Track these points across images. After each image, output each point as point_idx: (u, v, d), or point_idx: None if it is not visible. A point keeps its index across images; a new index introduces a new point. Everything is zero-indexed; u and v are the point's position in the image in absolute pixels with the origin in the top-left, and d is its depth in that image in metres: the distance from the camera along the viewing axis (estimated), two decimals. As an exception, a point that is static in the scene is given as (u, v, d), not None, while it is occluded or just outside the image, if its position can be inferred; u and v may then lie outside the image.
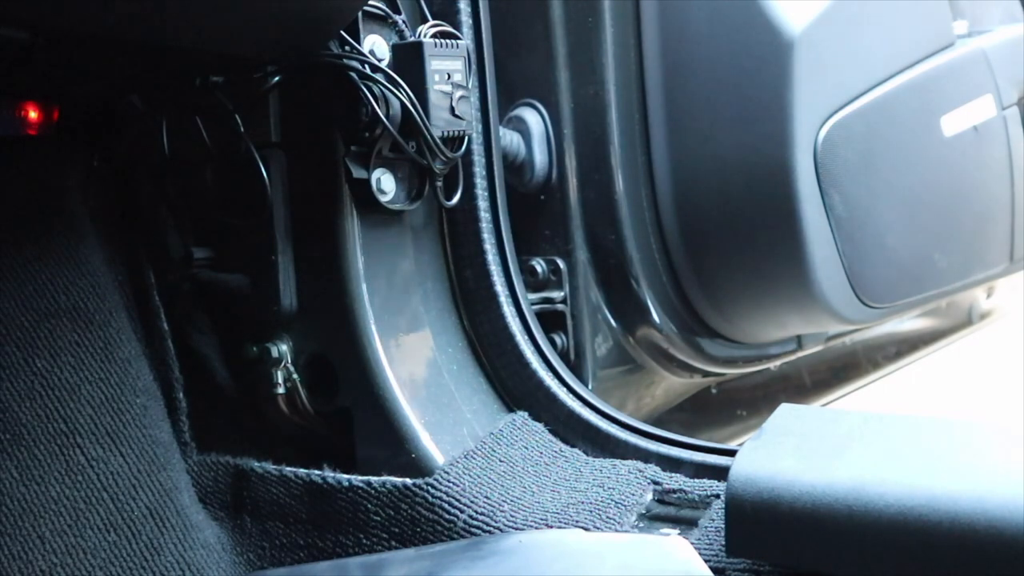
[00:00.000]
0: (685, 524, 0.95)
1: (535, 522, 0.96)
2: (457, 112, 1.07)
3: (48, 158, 1.21)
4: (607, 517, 0.96)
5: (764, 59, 1.35)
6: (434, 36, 1.08)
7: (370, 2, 1.05)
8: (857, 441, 0.83)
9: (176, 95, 1.16)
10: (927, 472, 0.76)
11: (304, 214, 1.12)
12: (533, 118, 1.36)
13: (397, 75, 1.04)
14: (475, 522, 0.98)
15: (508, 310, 1.17)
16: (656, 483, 1.02)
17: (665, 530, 0.94)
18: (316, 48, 1.03)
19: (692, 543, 0.84)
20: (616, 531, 0.95)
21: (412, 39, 1.08)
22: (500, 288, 1.17)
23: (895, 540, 0.73)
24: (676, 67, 1.39)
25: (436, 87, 1.06)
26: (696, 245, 1.41)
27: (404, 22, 1.09)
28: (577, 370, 1.35)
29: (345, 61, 1.03)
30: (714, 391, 1.70)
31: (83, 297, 1.15)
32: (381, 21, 1.08)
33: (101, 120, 1.24)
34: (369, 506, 1.04)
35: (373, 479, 1.06)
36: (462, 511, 1.00)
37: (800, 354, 1.69)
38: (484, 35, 1.16)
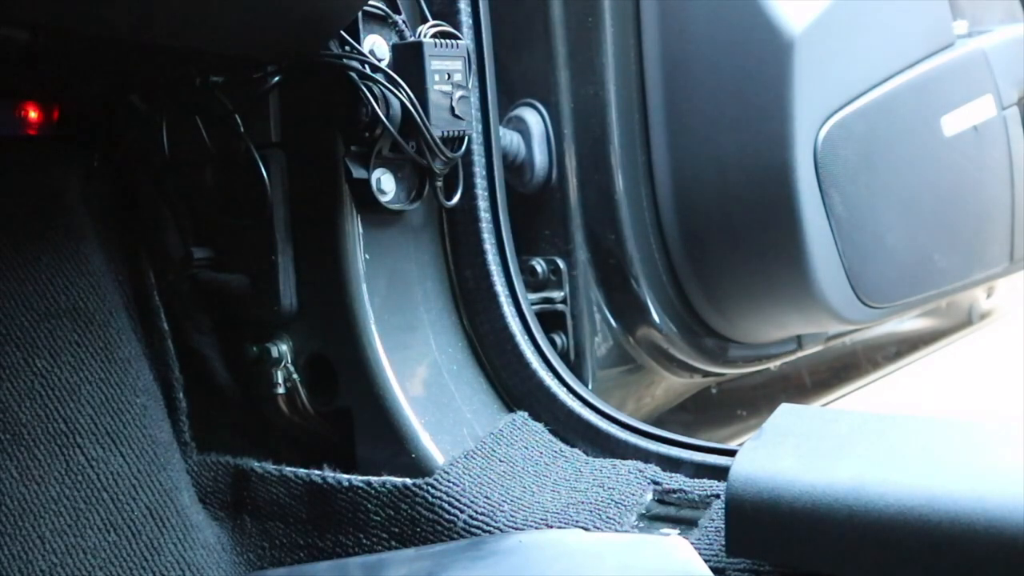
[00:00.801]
0: (685, 524, 0.95)
1: (535, 522, 0.96)
2: (457, 112, 1.07)
3: (48, 158, 1.21)
4: (607, 517, 0.96)
5: (764, 59, 1.35)
6: (434, 36, 1.08)
7: (370, 2, 1.05)
8: (857, 441, 0.83)
9: (176, 95, 1.16)
10: (927, 472, 0.76)
11: (304, 214, 1.12)
12: (533, 118, 1.36)
13: (397, 75, 1.04)
14: (475, 522, 0.98)
15: (508, 310, 1.17)
16: (656, 483, 1.02)
17: (665, 530, 0.94)
18: (316, 48, 1.03)
19: (692, 543, 0.84)
20: (616, 531, 0.95)
21: (412, 39, 1.08)
22: (500, 288, 1.17)
23: (895, 540, 0.73)
24: (676, 67, 1.39)
25: (436, 87, 1.06)
26: (696, 245, 1.41)
27: (404, 22, 1.09)
28: (577, 370, 1.35)
29: (345, 61, 1.03)
30: (714, 391, 1.70)
31: (83, 297, 1.15)
32: (381, 21, 1.08)
33: (101, 120, 1.24)
34: (369, 506, 1.04)
35: (373, 479, 1.06)
36: (462, 511, 1.00)
37: (800, 354, 1.69)
38: (484, 35, 1.17)
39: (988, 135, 1.62)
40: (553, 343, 1.33)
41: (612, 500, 0.98)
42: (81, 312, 1.14)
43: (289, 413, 1.17)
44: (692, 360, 1.51)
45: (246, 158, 1.11)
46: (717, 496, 0.98)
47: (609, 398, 1.32)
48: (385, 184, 1.09)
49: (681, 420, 1.66)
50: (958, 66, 1.59)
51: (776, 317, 1.53)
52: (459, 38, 1.11)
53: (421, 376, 1.14)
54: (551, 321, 1.33)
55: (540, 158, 1.35)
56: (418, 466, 1.06)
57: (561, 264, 1.34)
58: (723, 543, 0.83)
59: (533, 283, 1.34)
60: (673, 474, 1.02)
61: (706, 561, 0.82)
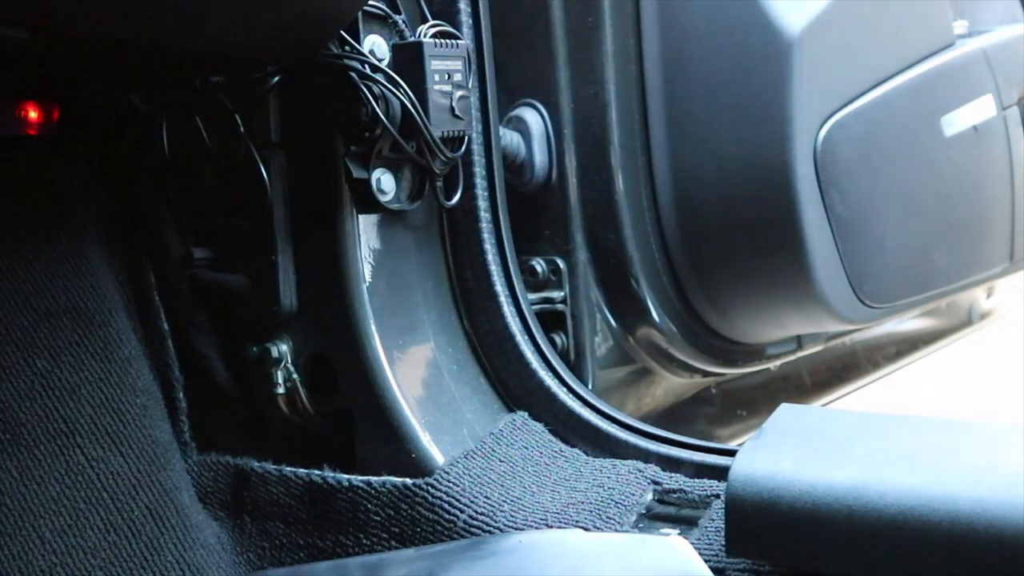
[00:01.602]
0: (685, 524, 0.95)
1: (535, 522, 0.96)
2: (457, 112, 1.07)
3: (48, 158, 1.21)
4: (607, 517, 0.96)
5: (764, 59, 1.35)
6: (434, 36, 1.08)
7: (370, 2, 1.05)
8: (857, 441, 0.83)
9: (176, 95, 1.16)
10: (927, 472, 0.76)
11: (304, 214, 1.12)
12: (533, 118, 1.36)
13: (397, 75, 1.04)
14: (475, 522, 0.98)
15: (508, 310, 1.17)
16: (656, 483, 1.02)
17: (665, 530, 0.94)
18: (316, 48, 1.03)
19: (692, 543, 0.84)
20: (616, 531, 0.95)
21: (412, 39, 1.08)
22: (500, 288, 1.17)
23: (895, 540, 0.73)
24: (676, 67, 1.39)
25: (436, 87, 1.06)
26: (696, 245, 1.41)
27: (404, 22, 1.09)
28: (577, 370, 1.35)
29: (345, 61, 1.03)
30: (714, 391, 1.70)
31: (83, 297, 1.15)
32: (381, 21, 1.08)
33: (101, 120, 1.24)
34: (369, 506, 1.04)
35: (373, 479, 1.06)
36: (462, 511, 1.00)
37: (800, 354, 1.69)
38: (484, 35, 1.16)
39: (988, 135, 1.62)
40: (553, 343, 1.33)
41: (612, 500, 0.98)
42: (81, 312, 1.14)
43: (289, 413, 1.17)
44: (692, 360, 1.51)
45: (246, 158, 1.11)
46: (717, 496, 0.98)
47: (609, 398, 1.32)
48: (385, 184, 1.09)
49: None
50: (958, 66, 1.59)
51: (776, 317, 1.53)
52: (459, 38, 1.11)
53: (421, 376, 1.14)
54: (551, 321, 1.33)
55: (540, 158, 1.35)
56: (418, 466, 1.06)
57: (561, 264, 1.34)
58: (723, 543, 0.83)
59: (533, 283, 1.34)
60: (673, 474, 1.02)
61: (706, 561, 0.82)
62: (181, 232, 1.21)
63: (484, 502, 1.00)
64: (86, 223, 1.20)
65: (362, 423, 1.11)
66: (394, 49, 1.08)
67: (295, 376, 1.15)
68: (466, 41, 1.13)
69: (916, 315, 2.05)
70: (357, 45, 1.04)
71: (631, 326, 1.41)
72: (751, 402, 1.78)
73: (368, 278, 1.11)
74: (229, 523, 1.14)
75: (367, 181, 1.07)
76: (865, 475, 0.76)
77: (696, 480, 1.02)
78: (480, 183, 1.17)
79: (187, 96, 1.14)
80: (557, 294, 1.34)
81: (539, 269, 1.34)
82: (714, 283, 1.44)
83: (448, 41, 1.08)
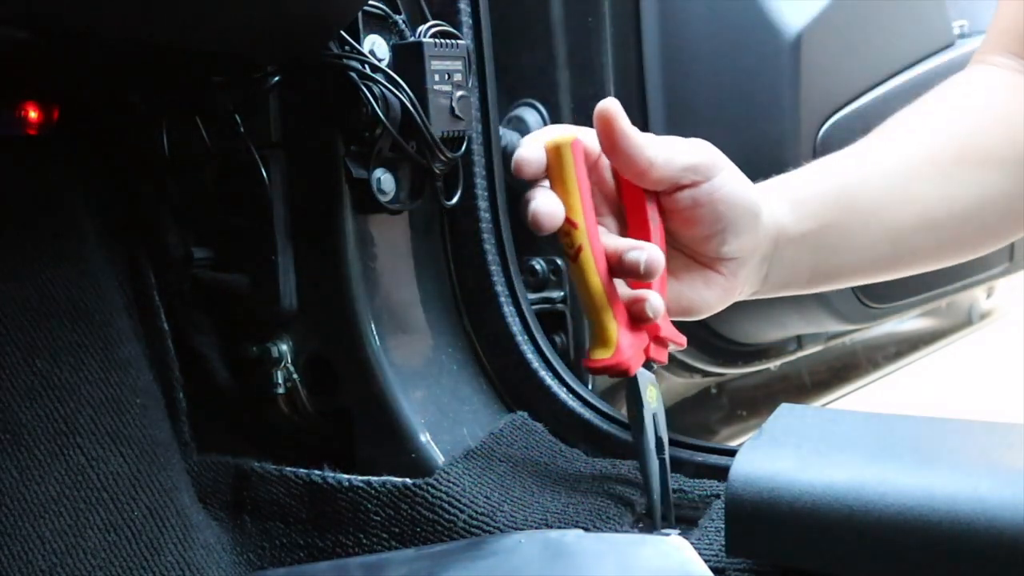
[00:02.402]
0: (685, 524, 0.95)
1: (535, 522, 0.96)
2: (457, 112, 1.07)
3: (48, 158, 1.21)
4: (607, 517, 0.96)
5: (764, 58, 1.35)
6: (434, 36, 1.08)
7: (370, 2, 1.05)
8: (857, 441, 0.83)
9: (176, 95, 1.16)
10: (927, 472, 0.76)
11: (304, 214, 1.12)
12: (533, 118, 1.36)
13: (397, 75, 1.04)
14: (475, 522, 0.98)
15: (508, 310, 1.17)
16: (656, 483, 1.02)
17: (665, 530, 0.94)
18: (316, 48, 1.03)
19: (692, 543, 0.84)
20: (616, 531, 0.95)
21: (412, 39, 1.08)
22: (500, 288, 1.17)
23: (895, 540, 0.73)
24: (676, 67, 1.39)
25: (436, 87, 1.06)
26: (696, 245, 1.41)
27: (404, 22, 1.09)
28: (577, 370, 1.34)
29: (345, 61, 1.03)
30: (714, 391, 1.70)
31: (83, 297, 1.15)
32: (381, 21, 1.08)
33: (101, 120, 1.24)
34: (369, 506, 1.04)
35: (373, 479, 1.06)
36: (462, 511, 1.00)
37: (800, 354, 1.69)
38: (484, 35, 1.16)
39: (988, 135, 1.61)
40: (553, 343, 1.33)
41: (612, 500, 0.98)
42: (81, 312, 1.14)
43: (289, 413, 1.17)
44: (692, 360, 1.51)
45: (246, 158, 1.11)
46: (717, 496, 0.98)
47: (609, 398, 1.32)
48: (385, 184, 1.09)
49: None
50: (958, 66, 1.59)
51: (776, 317, 1.53)
52: (459, 38, 1.11)
53: (421, 376, 1.14)
54: (551, 321, 1.33)
55: (540, 158, 1.35)
56: (418, 466, 1.06)
57: (561, 264, 1.34)
58: (723, 543, 0.83)
59: (533, 283, 1.34)
60: (673, 474, 1.02)
61: (706, 561, 0.82)
62: (181, 232, 1.21)
63: (484, 502, 1.00)
64: (86, 223, 1.20)
65: (362, 423, 1.11)
66: (394, 49, 1.08)
67: (295, 376, 1.15)
68: (466, 41, 1.13)
69: (916, 315, 2.05)
70: (357, 45, 1.04)
71: (631, 326, 1.41)
72: (751, 402, 1.78)
73: (368, 278, 1.11)
74: (229, 523, 1.13)
75: (367, 181, 1.07)
76: (865, 475, 0.76)
77: (696, 480, 1.02)
78: (480, 183, 1.17)
79: (187, 96, 1.14)
80: (557, 294, 1.34)
81: (539, 269, 1.34)
82: (714, 283, 1.43)
83: (448, 41, 1.08)
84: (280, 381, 1.15)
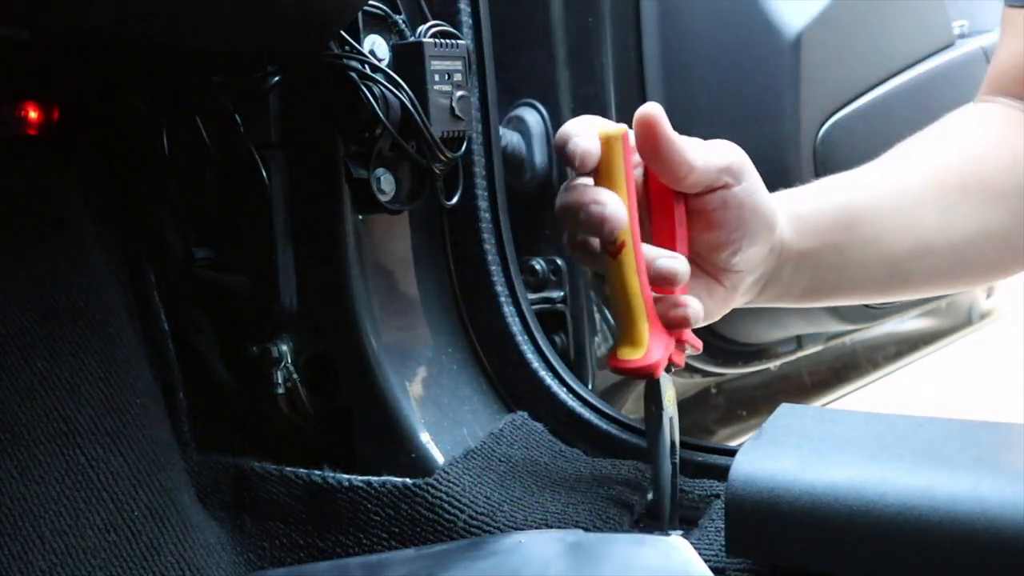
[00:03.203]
0: (685, 524, 0.95)
1: (535, 522, 0.96)
2: (457, 112, 1.07)
3: (48, 158, 1.21)
4: (607, 517, 0.96)
5: (764, 58, 1.35)
6: (434, 36, 1.08)
7: (370, 2, 1.05)
8: (857, 441, 0.83)
9: (176, 95, 1.16)
10: (927, 472, 0.76)
11: (304, 214, 1.12)
12: (533, 118, 1.36)
13: (397, 75, 1.04)
14: (475, 522, 0.98)
15: (508, 310, 1.17)
16: (656, 483, 1.02)
17: (666, 530, 0.94)
18: (316, 48, 1.03)
19: (692, 543, 0.84)
20: (616, 531, 0.95)
21: (412, 39, 1.08)
22: (500, 288, 1.17)
23: (895, 540, 0.73)
24: (676, 67, 1.39)
25: (436, 87, 1.06)
26: (696, 245, 1.41)
27: (404, 22, 1.09)
28: (577, 370, 1.35)
29: (345, 61, 1.03)
30: (714, 391, 1.70)
31: (83, 297, 1.15)
32: (381, 21, 1.08)
33: (101, 120, 1.24)
34: (369, 506, 1.04)
35: (373, 479, 1.06)
36: (462, 511, 1.00)
37: (800, 354, 1.69)
38: (484, 35, 1.16)
39: (988, 135, 1.61)
40: (553, 343, 1.33)
41: (612, 500, 0.98)
42: (81, 312, 1.14)
43: (289, 413, 1.17)
44: (692, 360, 1.51)
45: (246, 158, 1.11)
46: (717, 496, 0.98)
47: (609, 398, 1.33)
48: (385, 184, 1.09)
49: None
50: (958, 66, 1.59)
51: (776, 317, 1.53)
52: (459, 38, 1.11)
53: (421, 376, 1.14)
54: (551, 321, 1.33)
55: (540, 158, 1.35)
56: (418, 466, 1.06)
57: (561, 264, 1.34)
58: (723, 543, 0.83)
59: (533, 283, 1.34)
60: (674, 474, 1.02)
61: (706, 561, 0.82)
62: (181, 232, 1.21)
63: (484, 502, 1.00)
64: (86, 223, 1.20)
65: (362, 423, 1.11)
66: (394, 49, 1.08)
67: (295, 376, 1.15)
68: (466, 41, 1.13)
69: (916, 315, 2.05)
70: (357, 45, 1.04)
71: (631, 326, 1.41)
72: (751, 402, 1.78)
73: (368, 278, 1.11)
74: (229, 523, 1.13)
75: (367, 181, 1.07)
76: (865, 475, 0.76)
77: (696, 480, 1.02)
78: (480, 183, 1.17)
79: (187, 96, 1.14)
80: (557, 294, 1.34)
81: (539, 269, 1.34)
82: (714, 283, 1.44)
83: (448, 41, 1.08)
84: (280, 381, 1.15)
